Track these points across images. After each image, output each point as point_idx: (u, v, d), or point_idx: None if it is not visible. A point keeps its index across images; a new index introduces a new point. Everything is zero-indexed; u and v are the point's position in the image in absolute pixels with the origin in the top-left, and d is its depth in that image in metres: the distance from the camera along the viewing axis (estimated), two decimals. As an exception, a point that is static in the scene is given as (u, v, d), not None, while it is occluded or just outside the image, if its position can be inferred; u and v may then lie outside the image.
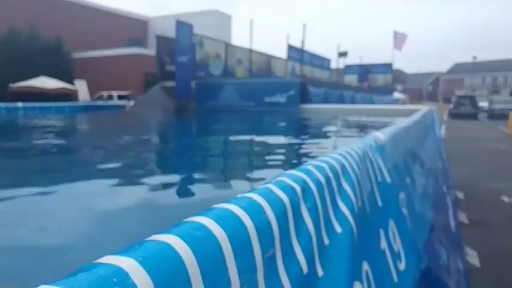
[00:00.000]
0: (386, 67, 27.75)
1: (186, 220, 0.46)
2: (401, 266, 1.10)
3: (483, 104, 35.74)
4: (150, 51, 23.74)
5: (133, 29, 35.90)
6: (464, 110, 28.77)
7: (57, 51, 25.88)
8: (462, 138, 14.52)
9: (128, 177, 2.02)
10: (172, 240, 0.41)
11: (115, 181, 1.89)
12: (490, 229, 4.62)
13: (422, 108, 5.80)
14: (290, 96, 10.70)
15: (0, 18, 26.75)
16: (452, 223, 3.19)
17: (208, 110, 11.30)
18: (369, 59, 27.85)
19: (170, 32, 11.41)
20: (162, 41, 12.06)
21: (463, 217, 4.78)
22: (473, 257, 3.70)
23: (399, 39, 27.94)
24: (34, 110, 9.25)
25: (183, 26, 11.20)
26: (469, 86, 73.49)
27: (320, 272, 0.64)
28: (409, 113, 4.35)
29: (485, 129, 19.25)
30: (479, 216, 4.96)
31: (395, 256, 1.07)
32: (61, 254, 0.93)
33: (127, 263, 0.37)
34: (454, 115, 28.77)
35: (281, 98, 10.78)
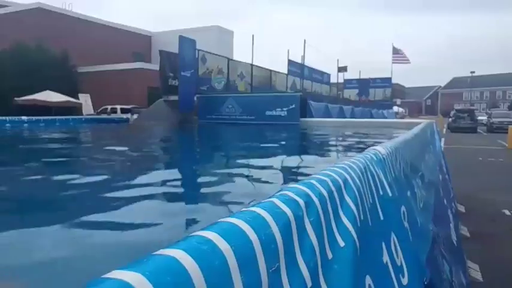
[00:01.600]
0: (386, 81, 27.94)
1: (191, 234, 0.46)
2: (404, 280, 1.10)
3: (482, 117, 35.94)
4: (154, 65, 23.98)
5: (138, 44, 36.31)
6: (463, 124, 28.86)
7: (62, 66, 26.22)
8: (462, 151, 14.54)
9: (131, 191, 2.02)
10: (179, 254, 0.41)
11: (117, 195, 1.89)
12: (492, 242, 4.60)
13: (422, 121, 5.82)
14: (291, 110, 10.78)
15: (8, 33, 27.18)
16: (453, 236, 3.18)
17: (210, 123, 11.38)
18: (368, 73, 28.01)
19: (173, 47, 11.55)
20: (165, 55, 12.22)
21: (464, 230, 4.76)
22: (475, 271, 3.67)
23: (398, 56, 28.21)
24: (38, 123, 9.31)
25: (186, 41, 11.35)
26: (468, 100, 73.87)
27: (324, 286, 0.64)
28: (409, 126, 4.36)
29: (484, 142, 19.29)
30: (480, 230, 4.94)
31: (398, 270, 1.07)
32: (67, 269, 0.93)
33: (134, 278, 0.37)
34: (453, 128, 28.87)
35: (282, 112, 10.86)
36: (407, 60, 28.81)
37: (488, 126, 29.76)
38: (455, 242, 3.13)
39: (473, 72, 63.73)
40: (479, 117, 34.37)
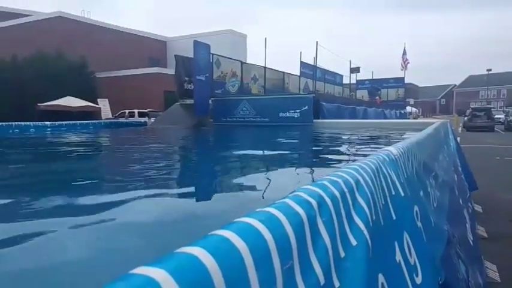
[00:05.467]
0: (398, 81, 27.71)
1: (210, 233, 0.49)
2: (418, 280, 1.11)
3: (499, 116, 35.31)
4: (170, 70, 24.28)
5: (153, 49, 36.76)
6: (480, 122, 28.31)
7: (81, 72, 26.85)
8: (478, 150, 14.34)
9: (151, 191, 2.06)
10: (199, 252, 0.44)
11: (137, 195, 1.93)
12: (510, 243, 4.54)
13: (436, 121, 5.77)
14: (304, 111, 10.81)
15: (30, 41, 27.83)
16: (470, 237, 3.15)
17: (225, 126, 11.49)
18: (381, 73, 27.83)
19: (188, 51, 11.68)
20: (180, 60, 12.38)
21: (481, 230, 4.70)
22: (493, 271, 3.63)
23: (404, 61, 27.94)
24: (60, 127, 9.58)
25: (200, 46, 11.48)
26: (484, 98, 72.72)
27: (336, 284, 0.66)
28: (423, 126, 4.34)
29: (502, 141, 18.97)
30: (498, 230, 4.87)
31: (412, 269, 1.08)
32: (93, 267, 0.97)
33: (158, 274, 0.40)
34: (469, 127, 28.36)
35: (295, 113, 10.91)
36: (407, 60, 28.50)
37: (506, 125, 29.21)
38: (471, 242, 3.10)
39: (490, 70, 62.85)
40: (497, 116, 33.73)
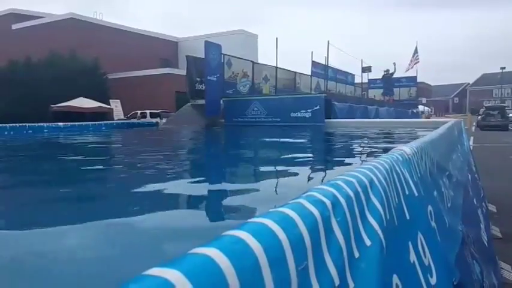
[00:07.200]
0: (411, 80, 27.43)
1: (224, 234, 0.49)
2: (433, 280, 1.09)
3: (513, 114, 34.84)
4: (181, 71, 24.44)
5: (165, 50, 37.00)
6: (494, 121, 27.97)
7: (94, 73, 27.20)
8: (492, 149, 14.16)
9: (162, 191, 2.06)
10: (213, 253, 0.44)
11: (146, 194, 1.94)
12: (525, 243, 4.47)
13: (449, 120, 5.71)
14: (315, 111, 10.79)
15: (43, 43, 28.25)
16: (484, 237, 3.11)
17: (236, 126, 11.52)
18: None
19: (200, 52, 11.73)
20: (191, 61, 12.43)
21: (495, 230, 4.64)
22: (508, 272, 3.58)
23: (412, 62, 27.50)
24: (73, 128, 9.73)
25: (211, 46, 11.52)
26: (498, 96, 71.81)
27: (351, 285, 0.66)
28: (435, 125, 4.29)
29: (516, 140, 18.70)
30: (513, 230, 4.81)
31: (426, 270, 1.07)
32: (106, 269, 0.97)
33: (172, 275, 0.39)
34: (482, 126, 28.04)
35: (306, 113, 10.89)
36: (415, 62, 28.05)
37: (520, 124, 28.83)
38: (486, 243, 3.06)
39: (504, 68, 62.10)
40: (511, 114, 33.31)
